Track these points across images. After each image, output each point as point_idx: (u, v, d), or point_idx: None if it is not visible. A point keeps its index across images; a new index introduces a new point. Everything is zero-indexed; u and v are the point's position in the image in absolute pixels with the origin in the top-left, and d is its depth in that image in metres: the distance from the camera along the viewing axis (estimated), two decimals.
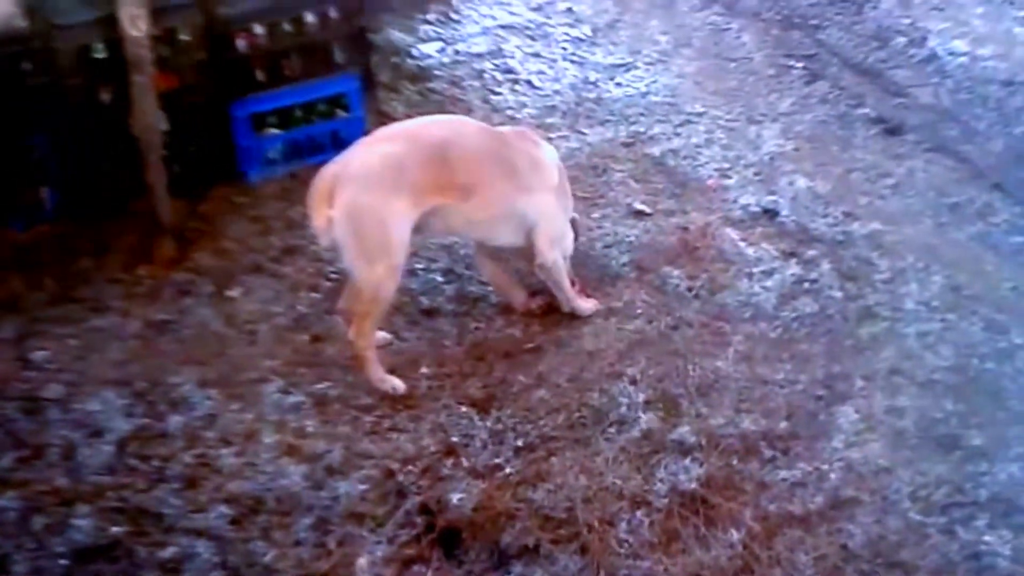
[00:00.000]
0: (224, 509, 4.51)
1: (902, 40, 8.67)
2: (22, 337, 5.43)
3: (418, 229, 5.12)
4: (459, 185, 5.18)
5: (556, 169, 5.60)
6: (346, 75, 6.88)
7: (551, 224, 5.52)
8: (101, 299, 5.70)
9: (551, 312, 5.70)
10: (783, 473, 4.81)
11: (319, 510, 4.54)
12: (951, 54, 8.43)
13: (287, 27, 6.62)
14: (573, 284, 5.75)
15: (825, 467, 4.85)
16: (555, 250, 5.54)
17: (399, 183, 5.00)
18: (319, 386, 5.20)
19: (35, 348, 5.35)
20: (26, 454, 4.75)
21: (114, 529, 4.39)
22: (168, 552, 4.32)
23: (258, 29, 6.51)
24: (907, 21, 8.89)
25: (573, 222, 5.78)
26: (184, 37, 6.24)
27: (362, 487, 4.65)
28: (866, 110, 7.85)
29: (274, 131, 6.64)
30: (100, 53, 5.98)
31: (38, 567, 4.25)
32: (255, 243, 6.16)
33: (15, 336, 5.43)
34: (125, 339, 5.46)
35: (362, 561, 4.36)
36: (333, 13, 6.76)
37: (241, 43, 6.50)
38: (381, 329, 5.34)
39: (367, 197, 4.95)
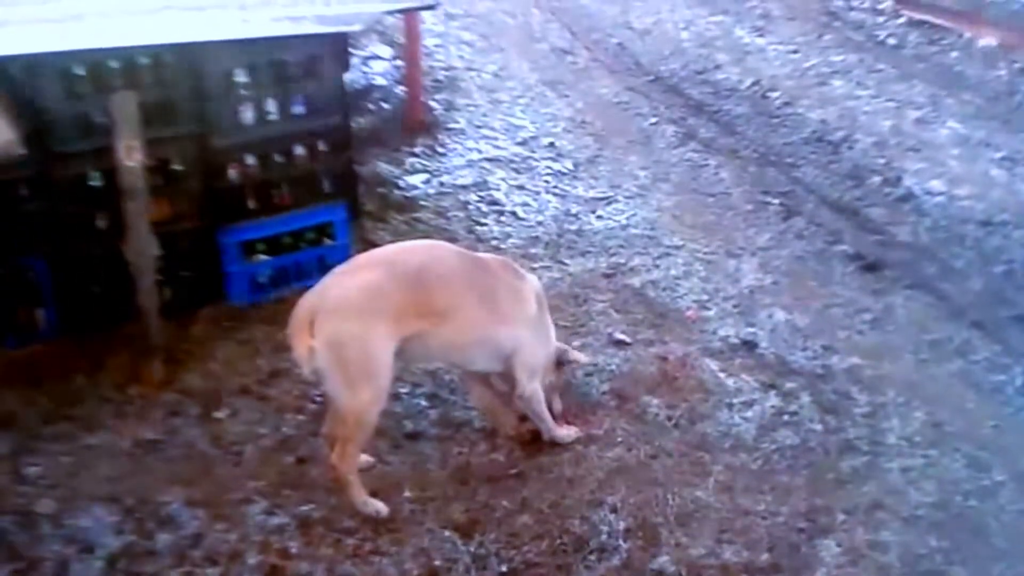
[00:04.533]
0: None
1: (877, 179, 9.06)
2: (16, 453, 5.62)
3: (399, 355, 5.26)
4: (437, 310, 5.34)
5: (535, 302, 5.75)
6: (333, 205, 7.23)
7: (528, 356, 5.68)
8: (93, 417, 5.90)
9: (534, 439, 5.85)
10: None
11: None
12: (928, 193, 8.74)
13: (278, 158, 6.99)
14: (556, 417, 5.92)
15: None
16: (533, 381, 5.71)
17: (379, 309, 5.16)
18: (303, 508, 5.33)
19: (29, 464, 5.54)
20: (21, 567, 4.90)
21: None
22: None
23: (250, 160, 6.88)
24: (882, 161, 9.31)
25: (567, 353, 5.96)
26: (178, 167, 6.59)
27: None
28: (844, 246, 8.12)
29: (263, 257, 6.96)
30: (96, 181, 6.32)
31: None
32: (242, 366, 6.38)
33: (9, 451, 5.62)
34: (116, 457, 5.64)
35: None
36: (322, 146, 7.15)
37: (233, 173, 6.84)
38: (364, 452, 5.49)
39: (348, 326, 5.10)
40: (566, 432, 5.91)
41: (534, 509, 5.39)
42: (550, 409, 5.90)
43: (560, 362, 5.96)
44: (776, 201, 8.85)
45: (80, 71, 6.24)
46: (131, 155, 5.87)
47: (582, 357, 6.06)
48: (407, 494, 5.48)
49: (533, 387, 5.71)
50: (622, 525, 5.29)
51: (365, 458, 5.56)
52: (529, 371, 5.69)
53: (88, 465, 5.57)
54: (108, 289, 6.46)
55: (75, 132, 6.30)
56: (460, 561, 5.05)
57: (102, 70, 6.28)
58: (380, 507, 5.32)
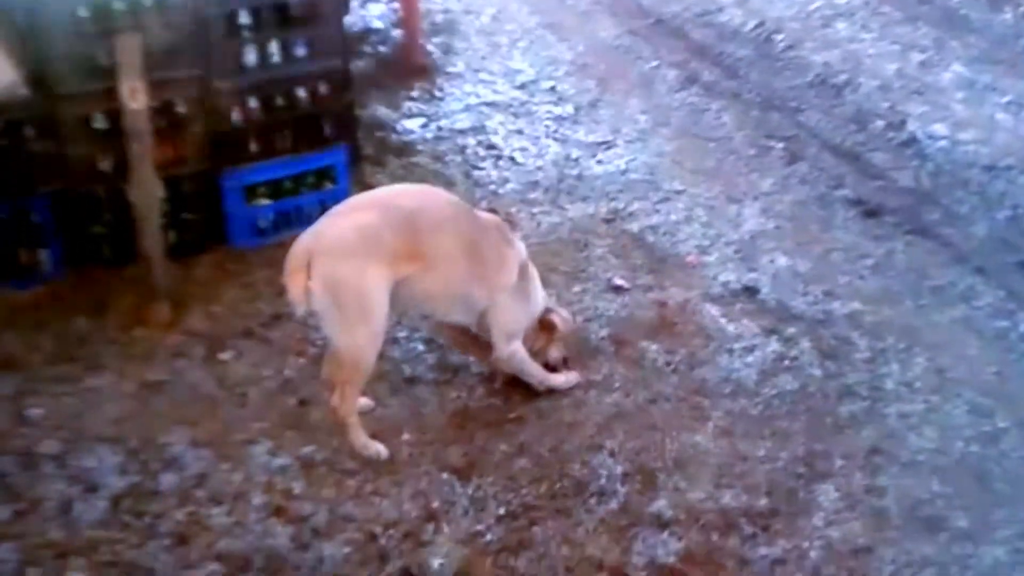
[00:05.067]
0: (214, 566, 4.79)
1: (881, 123, 9.05)
2: (19, 394, 5.74)
3: (390, 299, 5.38)
4: (424, 255, 5.44)
5: (518, 270, 5.84)
6: (334, 148, 7.33)
7: (504, 321, 5.80)
8: (97, 359, 6.03)
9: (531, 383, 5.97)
10: (763, 550, 5.01)
11: (305, 571, 4.81)
12: (931, 138, 8.74)
13: (280, 101, 7.07)
14: (557, 367, 6.05)
15: (805, 544, 5.04)
16: (511, 344, 5.83)
17: (374, 251, 5.27)
18: (305, 449, 5.49)
19: (32, 405, 5.67)
20: (23, 507, 5.04)
21: None
22: None
23: (252, 103, 6.96)
24: (886, 105, 9.29)
25: (551, 315, 6.03)
26: (181, 110, 6.68)
27: (346, 549, 4.92)
28: (845, 191, 8.15)
29: (265, 201, 7.08)
30: (100, 123, 6.41)
31: None
32: (245, 309, 6.52)
33: (12, 393, 5.75)
34: (120, 398, 5.78)
35: None
36: (323, 89, 7.22)
37: (236, 116, 6.92)
38: (364, 395, 5.65)
39: (344, 267, 5.22)
40: (564, 379, 6.02)
41: (533, 453, 5.52)
42: (547, 364, 6.02)
43: (549, 324, 6.03)
44: (779, 145, 8.86)
45: (84, 12, 6.29)
46: (135, 97, 5.96)
47: (561, 325, 6.08)
48: (406, 437, 5.62)
49: (511, 349, 5.83)
50: (620, 469, 5.42)
51: (365, 401, 5.69)
52: (506, 335, 5.81)
53: (92, 406, 5.69)
54: (112, 231, 6.60)
55: (79, 73, 6.37)
56: (458, 503, 5.19)
57: (106, 11, 6.34)
58: (380, 449, 5.46)
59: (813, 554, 5.00)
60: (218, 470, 5.33)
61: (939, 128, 8.87)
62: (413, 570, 4.83)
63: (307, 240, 5.33)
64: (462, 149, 8.60)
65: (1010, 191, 8.03)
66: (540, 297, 6.03)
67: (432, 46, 10.42)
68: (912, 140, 8.80)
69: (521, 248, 5.97)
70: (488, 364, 6.04)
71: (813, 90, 9.77)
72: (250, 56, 6.92)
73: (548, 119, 9.21)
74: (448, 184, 7.88)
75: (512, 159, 8.54)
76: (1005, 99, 9.35)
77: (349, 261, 5.22)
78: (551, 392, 5.95)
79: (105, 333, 6.24)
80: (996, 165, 8.34)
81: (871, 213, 7.90)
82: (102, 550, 4.82)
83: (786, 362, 6.24)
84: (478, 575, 4.83)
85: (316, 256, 5.22)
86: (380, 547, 4.94)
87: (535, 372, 5.94)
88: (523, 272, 5.87)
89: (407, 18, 9.98)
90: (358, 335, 5.29)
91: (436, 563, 4.84)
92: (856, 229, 7.72)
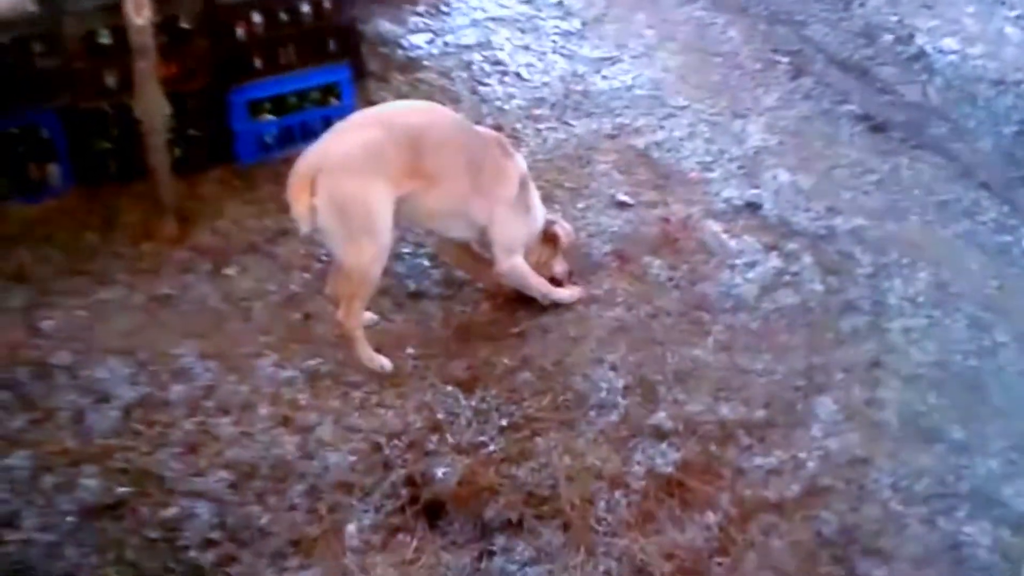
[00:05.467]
0: (223, 474, 4.98)
1: (889, 37, 9.05)
2: (31, 307, 5.90)
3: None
4: (427, 172, 5.58)
5: (518, 182, 5.97)
6: (339, 64, 7.41)
7: (504, 235, 5.94)
8: (107, 273, 6.18)
9: (534, 299, 6.13)
10: (759, 460, 5.18)
11: (311, 478, 4.99)
12: (940, 52, 8.74)
13: (283, 16, 7.12)
14: (562, 281, 6.21)
15: (802, 455, 5.21)
16: (512, 257, 5.97)
17: (379, 167, 5.40)
18: (311, 362, 5.66)
19: (44, 317, 5.82)
20: (37, 416, 5.22)
21: (119, 489, 4.84)
22: (170, 512, 4.78)
23: (256, 18, 7.02)
24: (895, 19, 9.24)
25: (553, 227, 6.19)
26: (185, 25, 6.75)
27: (351, 458, 5.10)
28: (851, 106, 8.24)
29: (269, 117, 7.19)
30: (105, 39, 6.50)
31: (47, 523, 4.68)
32: (250, 224, 6.64)
33: (24, 305, 5.91)
34: (130, 311, 5.94)
35: (351, 527, 4.79)
36: (326, 3, 7.26)
37: (239, 31, 6.99)
38: (368, 310, 5.81)
39: (350, 183, 5.35)
40: (568, 293, 6.17)
41: (535, 367, 5.68)
42: (552, 278, 6.18)
43: (552, 236, 6.18)
44: (784, 60, 8.91)
45: None
46: (139, 12, 6.03)
47: (564, 236, 6.23)
48: (410, 351, 5.79)
49: (512, 262, 5.97)
50: (621, 382, 5.58)
51: (369, 316, 5.85)
52: (507, 248, 5.95)
53: (103, 319, 5.86)
54: (119, 147, 6.72)
55: None
56: (462, 415, 5.36)
57: None
58: (385, 362, 5.64)
59: (810, 464, 5.16)
60: (225, 381, 5.49)
61: (948, 42, 8.84)
62: (416, 478, 4.99)
63: (311, 157, 5.45)
64: (468, 65, 8.62)
65: (1018, 106, 8.06)
66: (540, 211, 6.15)
67: None
68: (920, 54, 8.80)
69: (521, 161, 6.09)
70: (491, 283, 6.20)
71: (820, 4, 9.70)
72: None
73: (554, 34, 9.22)
74: (454, 100, 7.96)
75: (518, 75, 8.57)
76: (1014, 13, 9.21)
77: (354, 178, 5.35)
78: (554, 307, 6.09)
79: (113, 247, 6.38)
80: (1004, 80, 8.34)
81: (877, 128, 7.99)
82: (115, 457, 4.99)
83: (787, 277, 6.37)
84: (481, 483, 4.98)
85: (320, 173, 5.34)
86: (384, 456, 5.11)
87: (538, 285, 6.07)
88: (523, 185, 5.99)
89: None
90: (363, 251, 5.43)
91: (440, 472, 5.01)
92: (861, 144, 7.80)
